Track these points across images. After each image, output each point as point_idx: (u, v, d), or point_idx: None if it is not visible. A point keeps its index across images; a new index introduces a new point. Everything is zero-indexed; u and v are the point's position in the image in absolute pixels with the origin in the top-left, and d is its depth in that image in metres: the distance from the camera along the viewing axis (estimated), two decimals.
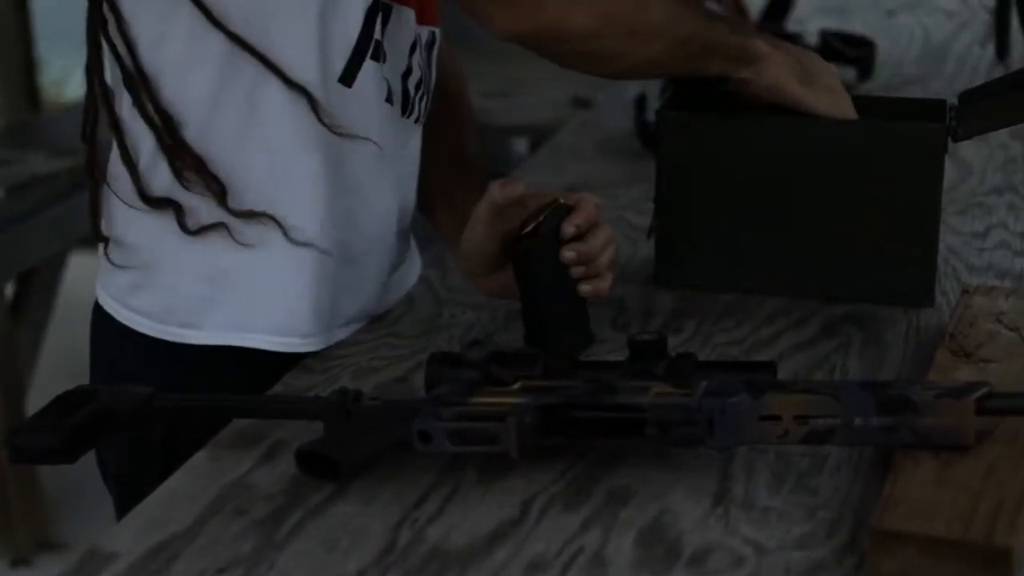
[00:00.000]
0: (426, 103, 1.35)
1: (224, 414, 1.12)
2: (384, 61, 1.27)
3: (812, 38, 2.20)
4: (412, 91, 1.32)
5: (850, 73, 2.11)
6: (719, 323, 1.31)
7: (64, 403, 1.09)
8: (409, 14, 1.30)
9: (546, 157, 1.81)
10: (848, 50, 2.15)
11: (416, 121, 1.34)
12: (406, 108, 1.31)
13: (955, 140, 1.34)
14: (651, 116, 1.80)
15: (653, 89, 1.87)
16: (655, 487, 1.02)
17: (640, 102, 1.85)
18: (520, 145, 3.08)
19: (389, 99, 1.28)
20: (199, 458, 1.07)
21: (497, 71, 3.19)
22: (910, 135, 1.32)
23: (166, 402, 1.11)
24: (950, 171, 1.35)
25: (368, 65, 1.25)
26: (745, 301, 1.35)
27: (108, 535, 0.97)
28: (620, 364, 1.05)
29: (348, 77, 1.24)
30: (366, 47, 1.24)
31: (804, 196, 1.35)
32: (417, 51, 1.32)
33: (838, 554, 0.93)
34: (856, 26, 2.44)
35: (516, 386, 1.04)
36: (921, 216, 1.33)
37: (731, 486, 1.02)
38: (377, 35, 1.25)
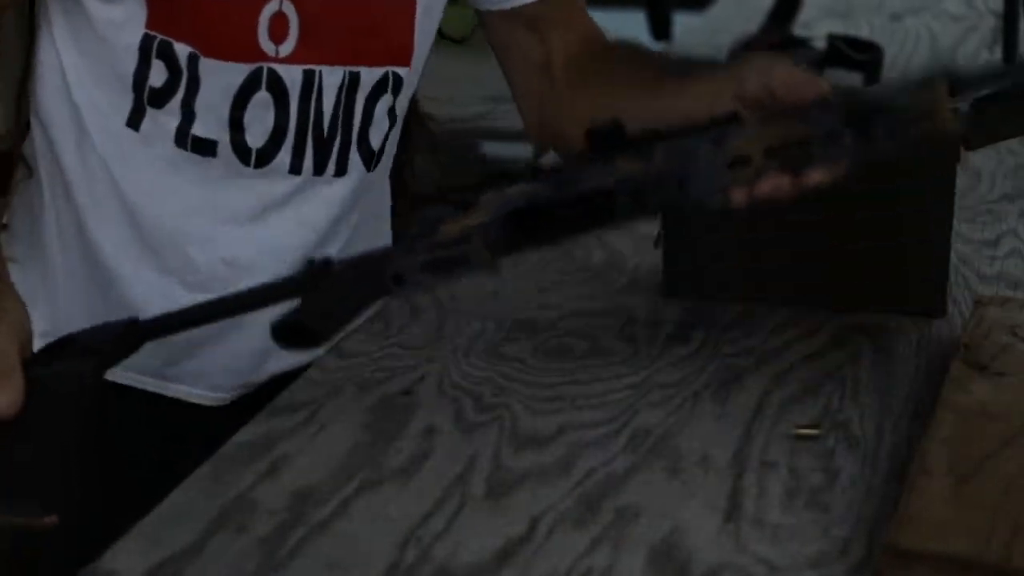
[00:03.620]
0: (342, 157, 1.31)
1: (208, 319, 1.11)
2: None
3: (819, 42, 2.19)
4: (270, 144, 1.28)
5: (857, 78, 2.09)
6: (727, 333, 1.29)
7: (47, 353, 1.07)
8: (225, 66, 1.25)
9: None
10: (855, 54, 2.14)
11: (318, 174, 1.31)
12: (263, 162, 1.28)
13: (968, 148, 1.32)
14: None
15: None
16: (665, 504, 1.00)
17: None
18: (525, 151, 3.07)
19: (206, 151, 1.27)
20: (201, 473, 1.06)
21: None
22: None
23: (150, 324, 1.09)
24: (959, 178, 1.33)
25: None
26: (753, 311, 1.33)
27: (108, 553, 0.95)
28: (580, 155, 1.05)
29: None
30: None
31: (812, 205, 1.32)
32: (292, 98, 1.27)
33: (852, 573, 0.91)
34: (862, 29, 2.43)
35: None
36: (932, 225, 1.32)
37: (742, 502, 1.00)
38: (154, 81, 1.24)
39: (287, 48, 1.26)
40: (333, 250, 1.31)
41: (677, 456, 1.08)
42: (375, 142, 1.33)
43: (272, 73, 1.25)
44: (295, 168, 1.29)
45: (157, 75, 1.25)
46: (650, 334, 1.29)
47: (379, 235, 1.42)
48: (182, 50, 1.24)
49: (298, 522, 0.98)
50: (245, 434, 1.11)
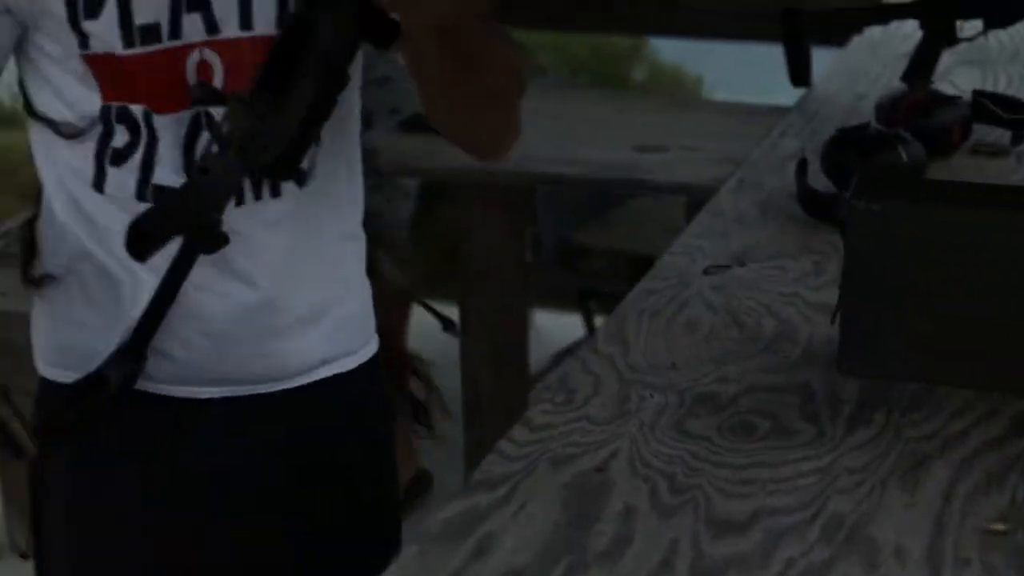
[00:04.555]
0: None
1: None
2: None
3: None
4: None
5: (1004, 136, 2.09)
6: (908, 415, 1.31)
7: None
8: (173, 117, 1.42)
9: (709, 223, 1.80)
10: (1003, 112, 2.13)
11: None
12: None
13: None
14: (812, 180, 1.81)
15: (807, 144, 1.86)
16: None
17: (802, 166, 1.85)
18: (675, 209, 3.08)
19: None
20: (408, 554, 1.09)
21: (654, 124, 3.19)
22: None
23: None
24: None
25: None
26: (931, 391, 1.34)
27: None
28: None
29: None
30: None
31: (1001, 286, 1.34)
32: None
33: None
34: (999, 79, 2.42)
35: None
36: None
37: None
38: (116, 143, 1.41)
39: None
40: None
41: (873, 548, 1.10)
42: (304, 163, 1.43)
43: (208, 115, 1.41)
44: (239, 199, 1.44)
45: (120, 137, 1.42)
46: (831, 413, 1.31)
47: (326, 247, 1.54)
48: (137, 110, 1.41)
49: None
50: (448, 510, 1.13)
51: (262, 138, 1.33)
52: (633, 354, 1.42)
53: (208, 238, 1.38)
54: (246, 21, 1.43)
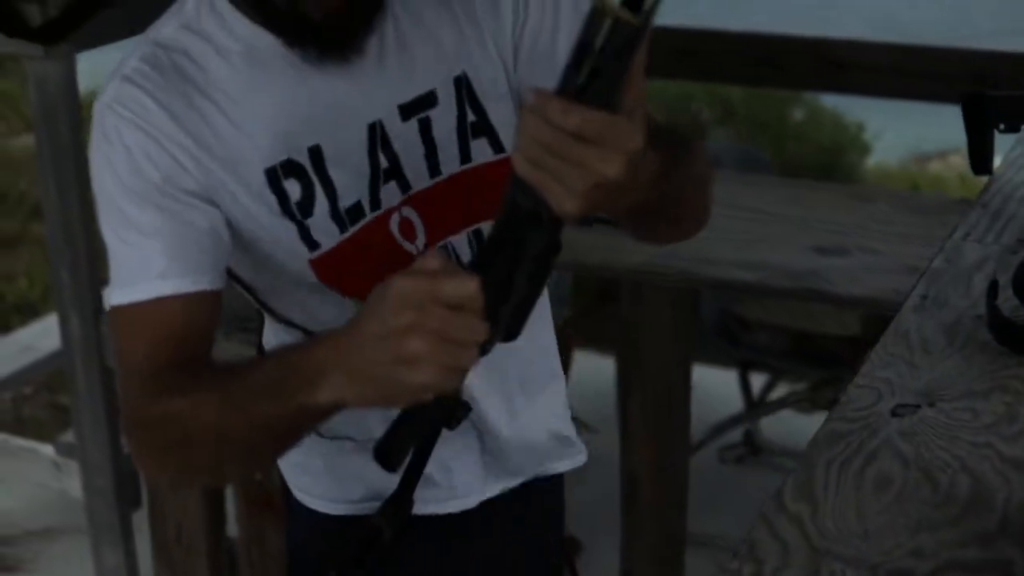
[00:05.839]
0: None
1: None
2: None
3: None
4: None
5: None
6: None
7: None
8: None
9: (894, 350, 1.73)
10: None
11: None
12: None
13: None
14: (1004, 306, 1.73)
15: (992, 251, 1.79)
16: None
17: (992, 290, 1.77)
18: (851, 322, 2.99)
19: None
20: None
21: (839, 221, 3.11)
22: None
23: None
24: None
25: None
26: None
27: None
28: None
29: None
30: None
31: None
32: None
33: None
34: None
35: None
36: None
37: None
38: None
39: (421, 241, 1.52)
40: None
41: None
42: None
43: None
44: None
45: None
46: None
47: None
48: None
49: None
50: None
51: (492, 329, 1.28)
52: (822, 515, 1.36)
53: (453, 420, 1.37)
54: (434, 170, 1.48)
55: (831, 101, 6.29)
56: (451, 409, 1.35)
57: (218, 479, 2.14)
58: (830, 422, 1.55)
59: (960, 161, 7.62)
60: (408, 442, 1.36)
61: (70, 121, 2.97)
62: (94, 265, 3.06)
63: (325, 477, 1.70)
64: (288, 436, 1.40)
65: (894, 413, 1.56)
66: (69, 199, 3.01)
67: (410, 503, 1.59)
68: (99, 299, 3.09)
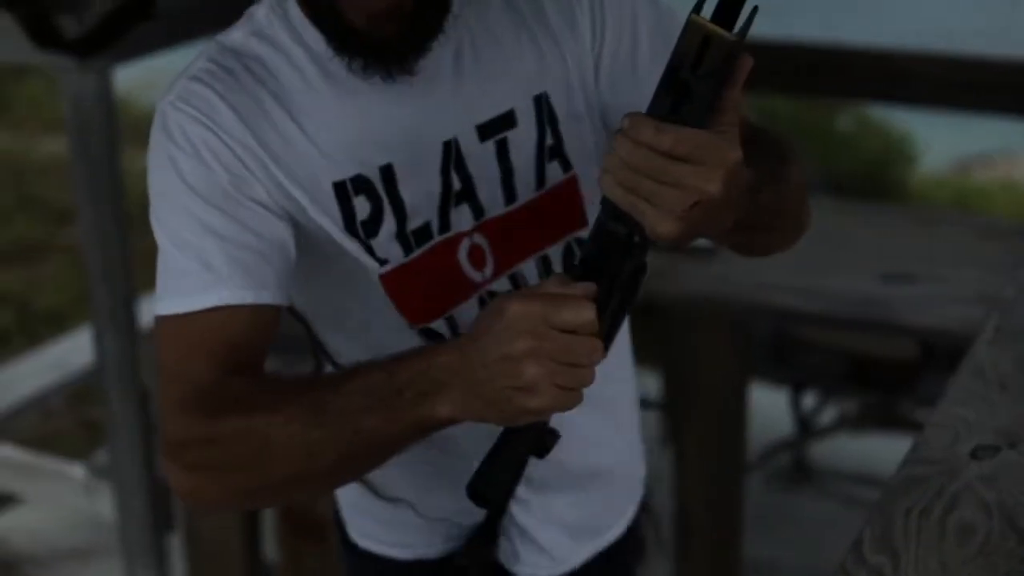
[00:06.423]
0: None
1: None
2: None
3: None
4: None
5: None
6: None
7: None
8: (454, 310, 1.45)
9: (970, 386, 1.64)
10: None
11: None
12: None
13: None
14: None
15: None
16: None
17: None
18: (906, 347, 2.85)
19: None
20: None
21: (899, 247, 3.01)
22: None
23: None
24: None
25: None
26: None
27: None
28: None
29: None
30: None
31: None
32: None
33: None
34: None
35: None
36: None
37: None
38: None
39: (489, 270, 1.45)
40: None
41: None
42: None
43: (488, 295, 1.45)
44: None
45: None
46: None
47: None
48: (439, 326, 1.44)
49: None
50: None
51: None
52: (904, 568, 1.27)
53: (543, 449, 1.34)
54: (510, 197, 1.42)
55: (878, 112, 6.18)
56: (541, 437, 1.32)
57: (283, 500, 2.06)
58: (907, 465, 1.46)
59: (1006, 169, 7.50)
60: (502, 476, 1.33)
61: (106, 134, 2.90)
62: (130, 280, 2.99)
63: (384, 526, 1.65)
64: (387, 451, 1.30)
65: (973, 455, 1.47)
66: (104, 212, 2.94)
67: (496, 540, 1.55)
68: (134, 315, 3.02)
